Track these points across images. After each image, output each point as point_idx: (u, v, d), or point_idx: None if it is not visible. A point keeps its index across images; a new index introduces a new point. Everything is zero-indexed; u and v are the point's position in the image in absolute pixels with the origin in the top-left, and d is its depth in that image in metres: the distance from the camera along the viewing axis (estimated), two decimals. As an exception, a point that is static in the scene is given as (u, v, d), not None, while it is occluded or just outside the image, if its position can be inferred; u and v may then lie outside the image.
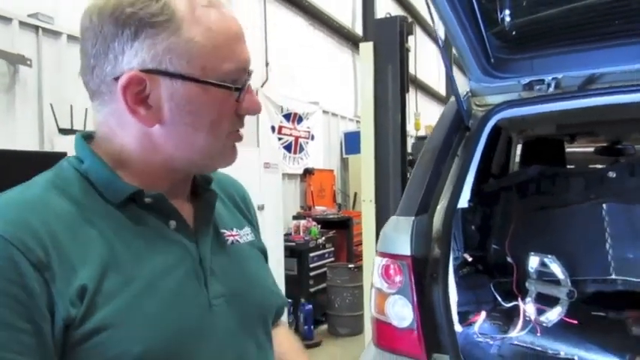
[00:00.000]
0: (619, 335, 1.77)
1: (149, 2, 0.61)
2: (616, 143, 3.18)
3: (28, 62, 3.00)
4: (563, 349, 1.68)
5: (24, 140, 2.99)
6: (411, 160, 3.24)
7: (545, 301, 1.89)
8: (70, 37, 3.24)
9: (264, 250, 0.87)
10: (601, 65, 1.84)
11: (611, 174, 2.08)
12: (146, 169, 0.67)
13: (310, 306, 4.41)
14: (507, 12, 1.94)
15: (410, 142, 4.06)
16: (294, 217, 5.42)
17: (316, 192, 6.16)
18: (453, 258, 1.87)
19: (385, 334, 1.63)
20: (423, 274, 1.59)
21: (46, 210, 0.60)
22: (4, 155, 2.34)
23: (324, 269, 4.85)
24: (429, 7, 1.68)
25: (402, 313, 1.58)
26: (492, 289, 1.99)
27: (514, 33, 1.98)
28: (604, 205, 1.96)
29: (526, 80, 1.95)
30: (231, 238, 0.77)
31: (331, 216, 5.75)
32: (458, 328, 1.71)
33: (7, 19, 2.96)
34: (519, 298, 1.90)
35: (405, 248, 1.59)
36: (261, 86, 5.37)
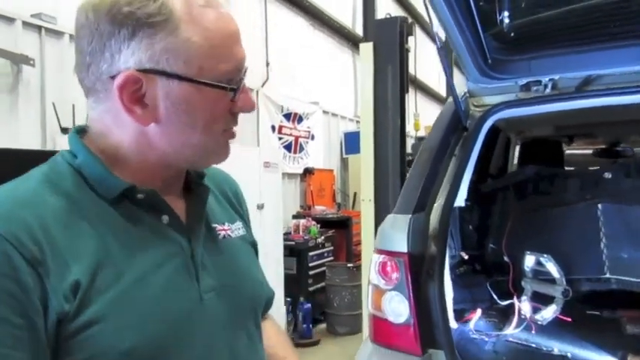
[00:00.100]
0: (613, 334, 1.78)
1: (146, 2, 0.61)
2: (615, 145, 3.19)
3: (31, 62, 3.02)
4: (557, 346, 1.70)
5: (27, 139, 3.01)
6: (410, 160, 3.26)
7: (541, 300, 1.91)
8: (73, 37, 3.23)
9: (255, 244, 0.88)
10: (598, 67, 1.86)
11: (607, 175, 2.10)
12: (140, 166, 0.68)
13: (309, 305, 4.43)
14: (506, 14, 1.96)
15: (410, 142, 4.08)
16: (294, 217, 5.44)
17: (316, 191, 6.18)
18: (450, 257, 1.90)
19: (381, 329, 1.65)
20: (420, 271, 1.61)
21: (40, 205, 0.60)
22: (7, 154, 2.36)
23: (323, 268, 4.87)
24: (427, 8, 1.70)
25: (398, 309, 1.60)
26: (489, 287, 2.01)
27: (512, 34, 2.00)
28: (599, 206, 1.98)
29: (523, 81, 1.96)
30: (222, 233, 0.78)
31: (331, 215, 5.77)
32: (453, 324, 1.74)
33: (10, 19, 2.98)
34: (515, 297, 1.92)
35: (401, 245, 1.61)
36: (262, 86, 5.39)
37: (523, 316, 1.86)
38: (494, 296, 1.98)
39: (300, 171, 6.09)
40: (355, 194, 6.49)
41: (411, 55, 3.40)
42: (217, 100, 0.66)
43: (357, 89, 7.35)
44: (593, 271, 1.95)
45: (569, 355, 1.65)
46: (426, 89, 10.39)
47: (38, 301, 0.55)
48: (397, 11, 8.36)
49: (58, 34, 3.23)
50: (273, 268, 4.12)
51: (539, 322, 1.85)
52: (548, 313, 1.86)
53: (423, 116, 7.06)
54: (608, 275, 1.92)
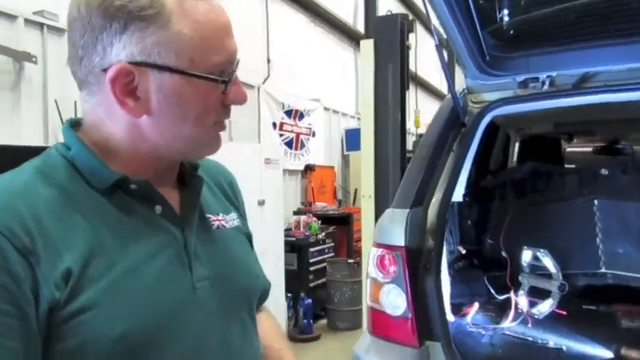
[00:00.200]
0: (608, 328, 1.80)
1: None
2: (614, 143, 3.20)
3: (34, 59, 3.04)
4: (552, 339, 1.72)
5: (29, 136, 3.04)
6: (410, 157, 3.27)
7: (538, 294, 1.93)
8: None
9: (249, 235, 0.88)
10: (596, 64, 1.87)
11: (604, 171, 2.12)
12: (133, 157, 0.68)
13: (310, 300, 4.45)
14: (505, 11, 1.98)
15: (410, 139, 4.10)
16: (295, 213, 5.47)
17: (317, 188, 6.21)
18: (448, 252, 1.92)
19: (379, 322, 1.68)
20: (417, 264, 1.64)
21: (32, 196, 0.60)
22: (10, 150, 2.39)
23: (324, 264, 4.89)
24: (425, 5, 1.72)
25: (395, 302, 1.63)
26: (486, 282, 2.03)
27: (510, 32, 2.01)
28: (595, 202, 1.99)
29: (521, 78, 1.98)
30: (216, 223, 0.78)
31: (331, 212, 5.80)
32: (451, 318, 1.76)
33: (12, 17, 3.01)
34: (512, 291, 1.94)
35: (399, 239, 1.63)
36: (263, 83, 5.41)
37: (520, 310, 1.88)
38: (492, 290, 2.00)
39: (301, 167, 6.12)
40: (356, 191, 6.52)
41: (411, 52, 3.41)
42: (209, 92, 0.66)
43: (358, 86, 7.36)
44: (590, 266, 1.97)
45: (563, 347, 1.68)
46: (427, 86, 10.39)
47: (29, 290, 0.56)
48: (398, 8, 8.37)
49: (60, 31, 3.24)
50: (273, 263, 4.14)
51: (536, 316, 1.87)
52: (545, 307, 1.88)
53: (423, 113, 7.06)
54: (604, 270, 1.94)
